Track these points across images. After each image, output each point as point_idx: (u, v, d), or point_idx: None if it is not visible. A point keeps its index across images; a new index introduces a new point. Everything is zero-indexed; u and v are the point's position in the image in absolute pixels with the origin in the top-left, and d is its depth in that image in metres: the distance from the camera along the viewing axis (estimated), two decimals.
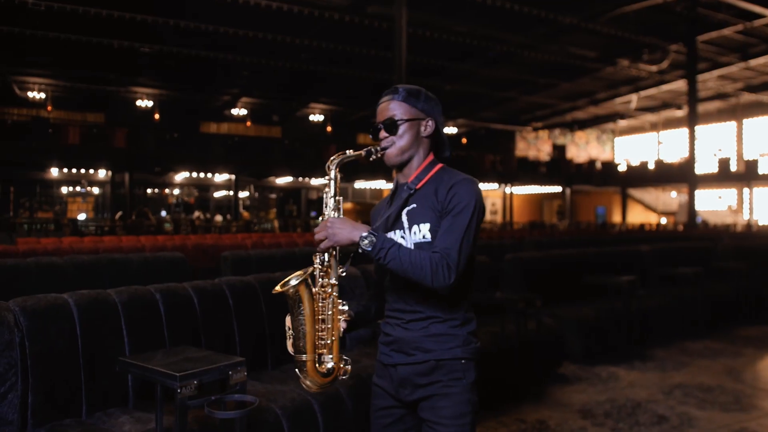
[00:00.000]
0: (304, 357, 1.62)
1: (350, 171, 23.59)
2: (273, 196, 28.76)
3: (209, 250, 6.97)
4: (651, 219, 30.31)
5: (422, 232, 1.70)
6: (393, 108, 1.77)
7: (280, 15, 15.28)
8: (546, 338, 4.66)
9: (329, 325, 1.64)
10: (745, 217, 26.69)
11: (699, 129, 20.48)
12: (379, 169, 23.72)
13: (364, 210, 28.81)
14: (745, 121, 27.57)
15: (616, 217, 30.11)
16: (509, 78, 22.82)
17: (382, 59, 18.43)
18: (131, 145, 19.33)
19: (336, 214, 1.67)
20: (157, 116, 23.11)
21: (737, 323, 7.12)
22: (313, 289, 1.64)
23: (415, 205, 1.74)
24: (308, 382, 1.64)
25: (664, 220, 30.12)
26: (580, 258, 6.43)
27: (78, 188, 23.73)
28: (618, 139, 33.70)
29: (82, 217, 22.30)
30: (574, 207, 30.53)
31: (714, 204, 28.81)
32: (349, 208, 28.72)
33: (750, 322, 7.27)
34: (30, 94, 20.55)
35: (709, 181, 24.90)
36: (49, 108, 21.30)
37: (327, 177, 1.69)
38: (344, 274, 1.67)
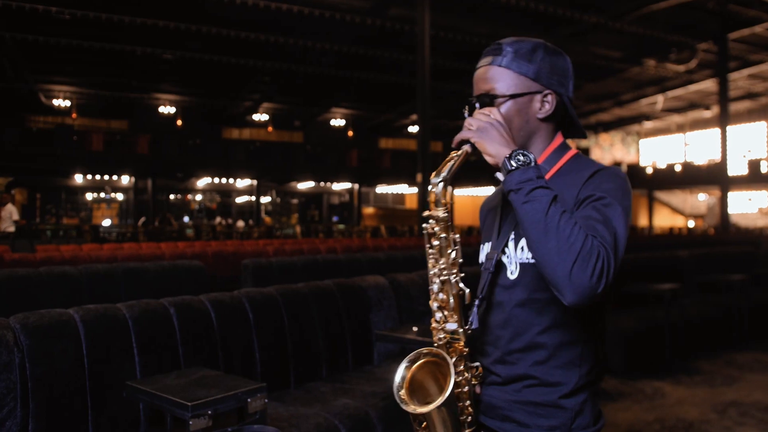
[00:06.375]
0: None
1: (372, 174, 23.41)
2: (295, 201, 28.68)
3: (230, 257, 6.78)
4: (678, 222, 29.60)
5: None
6: (494, 76, 1.22)
7: (301, 18, 15.15)
8: None
9: (468, 402, 1.21)
10: None
11: (728, 130, 19.89)
12: (402, 172, 23.55)
13: (386, 215, 28.59)
14: None
15: (643, 221, 29.46)
16: None
17: (404, 62, 18.22)
18: (154, 151, 19.50)
19: None
20: (179, 122, 23.18)
21: None
22: (456, 380, 1.17)
23: None
24: None
25: (692, 223, 29.39)
26: None
27: (102, 194, 23.90)
28: (643, 141, 33.00)
29: (107, 223, 22.47)
30: None
31: (744, 206, 28.03)
32: (371, 213, 28.56)
33: None
34: (55, 102, 20.74)
35: (739, 183, 24.19)
36: (74, 115, 21.47)
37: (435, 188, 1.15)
38: (471, 330, 1.21)
